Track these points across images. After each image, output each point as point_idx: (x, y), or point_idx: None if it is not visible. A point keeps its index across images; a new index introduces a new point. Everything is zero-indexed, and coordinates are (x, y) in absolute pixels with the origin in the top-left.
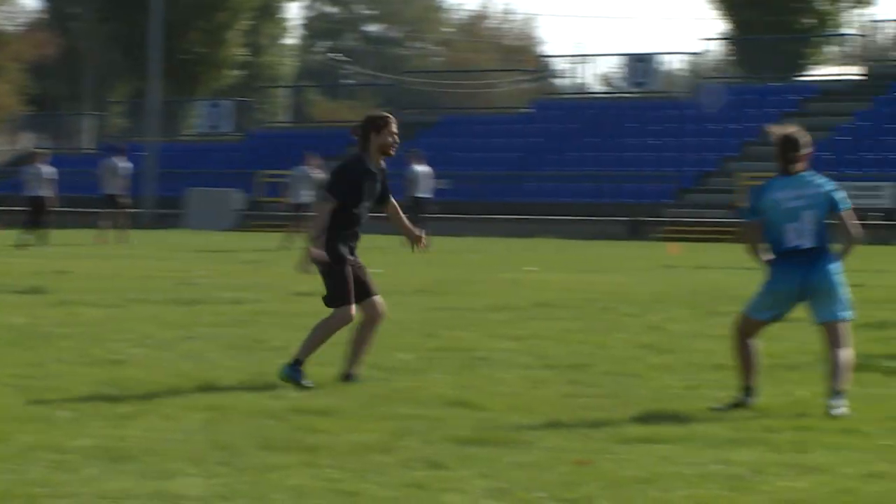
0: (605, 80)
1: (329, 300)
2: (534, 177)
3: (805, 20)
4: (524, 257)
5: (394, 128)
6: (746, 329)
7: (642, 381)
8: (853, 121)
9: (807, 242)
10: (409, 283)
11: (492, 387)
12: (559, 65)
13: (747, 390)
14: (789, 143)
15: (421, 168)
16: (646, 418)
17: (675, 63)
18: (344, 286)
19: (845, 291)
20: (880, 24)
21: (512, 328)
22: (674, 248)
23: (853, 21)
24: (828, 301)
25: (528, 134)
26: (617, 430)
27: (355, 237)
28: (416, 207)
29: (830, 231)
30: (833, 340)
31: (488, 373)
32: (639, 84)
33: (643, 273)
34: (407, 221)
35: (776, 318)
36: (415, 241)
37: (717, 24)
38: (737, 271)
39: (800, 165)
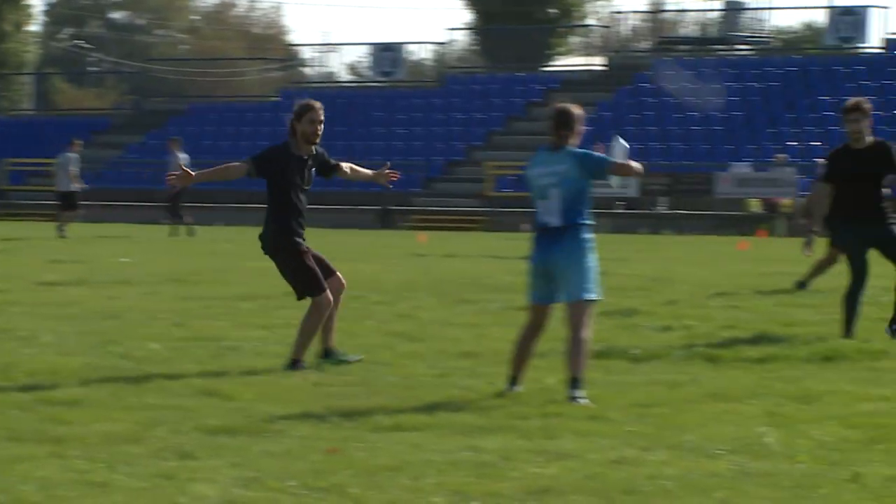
0: (353, 69)
1: (302, 292)
2: None
3: (549, 10)
4: None
5: (315, 116)
6: (532, 316)
7: (392, 369)
8: (596, 111)
9: (554, 220)
10: (160, 272)
11: (242, 376)
12: (307, 53)
13: (513, 379)
14: (559, 117)
15: (182, 156)
16: (396, 406)
17: (421, 53)
18: (312, 275)
19: (592, 271)
20: (622, 15)
21: (262, 317)
22: (422, 237)
23: (596, 12)
24: (571, 280)
25: (276, 122)
26: (368, 419)
27: (301, 227)
28: (179, 195)
29: (585, 209)
30: (573, 322)
31: (238, 362)
32: (386, 73)
33: (393, 261)
34: (366, 170)
35: (544, 299)
36: (384, 178)
37: (463, 14)
38: (484, 259)
39: (568, 141)
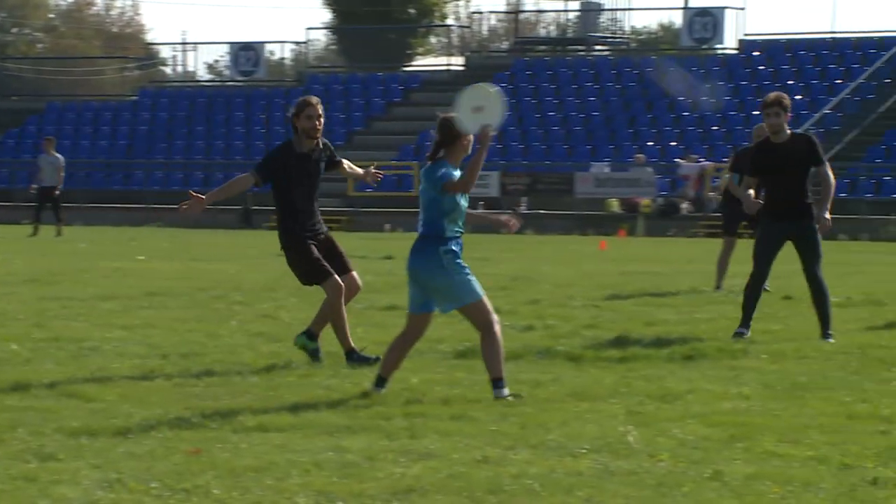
0: (212, 68)
1: (308, 278)
2: (143, 164)
3: (409, 10)
4: (135, 246)
5: (312, 111)
6: (408, 323)
7: (255, 370)
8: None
9: (420, 229)
10: (18, 272)
11: (103, 377)
12: (166, 52)
13: (380, 381)
14: (437, 130)
15: (58, 156)
16: (259, 407)
17: (281, 52)
18: (314, 262)
19: (458, 275)
20: (481, 16)
21: (123, 318)
22: None
23: (455, 12)
24: (444, 292)
25: (135, 122)
26: (231, 420)
27: (308, 221)
28: (59, 197)
29: (446, 221)
30: (475, 325)
31: (99, 363)
32: (246, 73)
33: (255, 261)
34: (358, 169)
35: (419, 308)
36: (371, 177)
37: (322, 14)
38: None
39: (446, 153)
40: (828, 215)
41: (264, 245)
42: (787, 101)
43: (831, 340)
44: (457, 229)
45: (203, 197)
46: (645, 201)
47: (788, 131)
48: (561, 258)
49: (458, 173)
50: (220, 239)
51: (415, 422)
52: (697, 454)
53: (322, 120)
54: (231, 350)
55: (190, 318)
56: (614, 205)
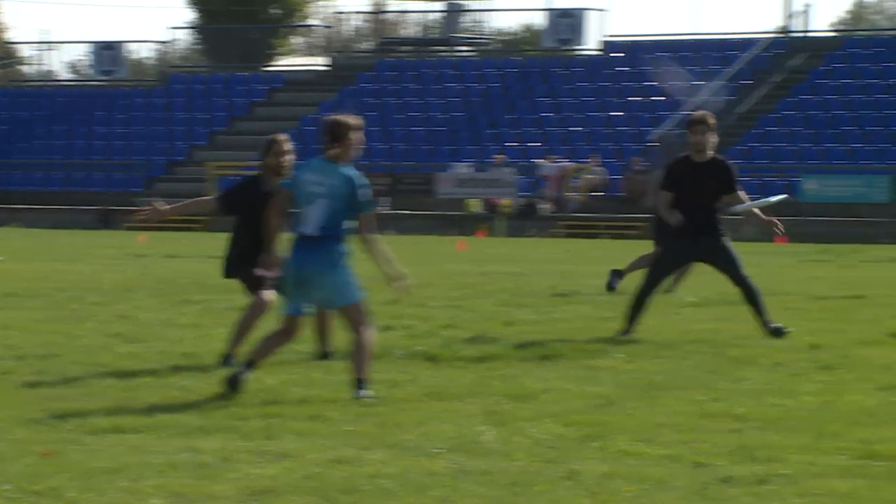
0: (73, 67)
1: (250, 287)
2: (2, 164)
3: (272, 10)
4: None
5: (279, 148)
6: (285, 325)
7: (111, 371)
8: (319, 111)
9: (311, 229)
10: None
11: None
12: (25, 51)
13: (249, 363)
14: (329, 130)
15: None
16: (115, 408)
17: (143, 51)
18: (259, 278)
19: (350, 276)
20: (345, 16)
21: None
22: (141, 237)
23: (319, 12)
24: (333, 289)
25: None
26: (86, 421)
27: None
28: None
29: (345, 223)
30: (352, 325)
31: None
32: (107, 72)
33: (113, 262)
34: None
35: (299, 310)
36: None
37: (185, 13)
38: (207, 260)
39: (334, 153)
40: (772, 218)
41: (122, 245)
42: (712, 119)
43: (781, 327)
44: (348, 231)
45: (165, 208)
46: (505, 201)
47: (710, 153)
48: (420, 258)
49: None
50: (79, 239)
51: (271, 422)
52: (552, 453)
53: (289, 157)
54: (88, 351)
55: (47, 319)
56: (475, 205)
